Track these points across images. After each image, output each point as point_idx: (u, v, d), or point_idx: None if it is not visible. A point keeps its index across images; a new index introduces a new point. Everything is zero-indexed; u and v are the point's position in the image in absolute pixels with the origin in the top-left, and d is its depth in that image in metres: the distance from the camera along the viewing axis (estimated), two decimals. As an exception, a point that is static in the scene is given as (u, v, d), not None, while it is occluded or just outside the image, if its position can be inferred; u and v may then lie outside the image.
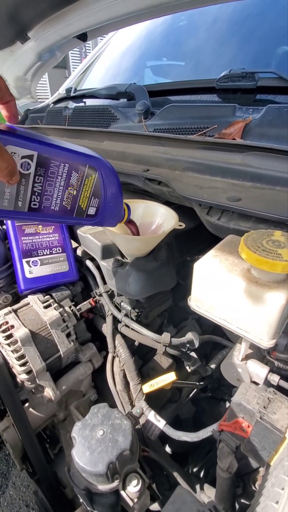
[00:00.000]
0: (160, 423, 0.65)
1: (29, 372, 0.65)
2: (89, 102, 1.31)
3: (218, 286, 0.48)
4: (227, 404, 1.08)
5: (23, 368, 0.64)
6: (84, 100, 1.39)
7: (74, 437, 0.55)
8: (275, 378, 0.55)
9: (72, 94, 1.37)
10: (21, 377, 0.66)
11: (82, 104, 1.30)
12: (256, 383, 0.57)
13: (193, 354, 0.87)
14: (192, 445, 1.04)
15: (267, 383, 0.57)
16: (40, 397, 0.76)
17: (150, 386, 0.66)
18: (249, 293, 0.44)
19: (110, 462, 0.51)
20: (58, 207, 0.50)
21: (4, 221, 0.79)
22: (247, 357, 0.59)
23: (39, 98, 1.93)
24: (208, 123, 0.77)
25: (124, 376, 0.77)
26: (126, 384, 0.77)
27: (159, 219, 0.78)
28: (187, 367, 0.86)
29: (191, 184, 0.71)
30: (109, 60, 1.93)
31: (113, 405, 0.89)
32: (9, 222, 0.77)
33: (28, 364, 0.65)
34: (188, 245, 0.98)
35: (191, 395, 0.95)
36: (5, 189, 0.44)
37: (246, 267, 0.47)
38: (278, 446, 0.45)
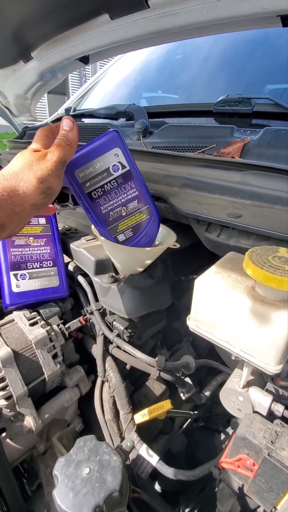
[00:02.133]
0: (153, 458, 0.58)
1: (8, 397, 0.59)
2: (88, 121, 1.33)
3: (220, 305, 0.45)
4: (222, 436, 1.01)
5: (2, 392, 0.58)
6: (82, 119, 1.41)
7: (56, 475, 0.48)
8: (279, 408, 0.50)
9: (71, 113, 1.39)
10: (0, 403, 0.59)
11: (81, 122, 1.32)
12: (258, 413, 0.52)
13: (187, 379, 0.82)
14: (184, 483, 0.95)
15: (270, 413, 0.52)
16: (19, 426, 0.68)
17: (143, 415, 0.60)
18: (254, 313, 0.41)
19: (97, 506, 0.45)
20: (104, 212, 0.62)
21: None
22: (248, 384, 0.55)
23: (25, 120, 1.96)
24: (206, 143, 0.77)
25: (114, 403, 0.70)
26: (116, 413, 0.70)
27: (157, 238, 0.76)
28: (181, 394, 0.81)
29: (189, 200, 0.70)
30: (107, 86, 2.01)
31: (100, 436, 0.82)
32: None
33: (8, 388, 0.58)
34: (183, 264, 0.95)
35: (184, 426, 0.88)
36: (93, 165, 0.59)
37: (250, 285, 0.45)
38: (287, 488, 0.40)
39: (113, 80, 2.01)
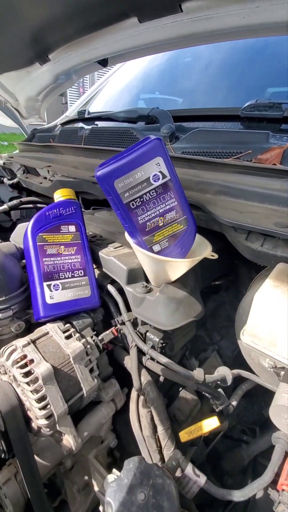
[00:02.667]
0: (200, 478, 0.56)
1: (49, 416, 0.56)
2: (103, 124, 1.31)
3: (281, 321, 0.43)
4: (250, 447, 0.99)
5: (43, 412, 0.55)
6: (96, 122, 1.39)
7: (110, 502, 0.45)
8: None
9: (86, 115, 1.37)
10: (40, 422, 0.56)
11: (97, 125, 1.29)
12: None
13: (220, 391, 0.80)
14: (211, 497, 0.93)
15: None
16: (45, 441, 0.65)
17: (189, 433, 0.58)
18: None
19: (157, 536, 0.42)
20: (141, 223, 0.61)
21: (23, 240, 0.73)
22: (301, 400, 0.53)
23: (34, 122, 1.93)
24: (240, 148, 0.76)
25: (152, 419, 0.68)
26: (154, 429, 0.68)
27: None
28: (214, 406, 0.79)
29: (228, 208, 0.68)
30: (114, 90, 2.00)
31: (132, 452, 0.79)
32: (29, 240, 0.70)
33: (49, 407, 0.56)
34: (210, 271, 0.94)
35: (217, 438, 0.86)
36: (133, 175, 0.58)
37: None
38: None
39: (118, 85, 2.00)
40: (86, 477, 0.76)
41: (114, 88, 2.00)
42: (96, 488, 0.62)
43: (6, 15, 0.94)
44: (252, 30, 0.73)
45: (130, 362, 0.74)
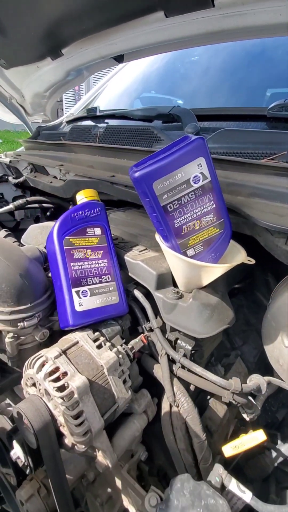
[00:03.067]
0: (246, 495, 0.53)
1: (86, 433, 0.52)
2: (115, 122, 1.27)
3: None
4: (273, 454, 0.97)
5: (80, 429, 0.51)
6: (106, 120, 1.35)
7: (164, 527, 0.42)
8: None
9: (97, 113, 1.33)
10: (76, 439, 0.52)
11: (110, 123, 1.25)
12: None
13: (252, 399, 0.77)
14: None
15: None
16: (67, 453, 0.61)
17: (234, 448, 0.55)
18: None
19: None
20: (177, 226, 0.58)
21: (48, 243, 0.69)
22: None
23: (35, 120, 1.88)
24: (273, 149, 0.74)
25: (187, 431, 0.65)
26: (189, 441, 0.65)
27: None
28: (245, 415, 0.76)
29: (266, 211, 0.65)
30: (121, 86, 1.96)
31: (162, 464, 0.76)
32: (56, 244, 0.66)
33: (86, 423, 0.52)
34: (234, 275, 0.91)
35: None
36: (173, 176, 0.54)
37: None
38: None
39: (125, 82, 1.96)
40: (109, 490, 0.72)
41: (119, 86, 1.97)
42: (131, 508, 0.59)
43: (22, 6, 0.90)
44: (285, 28, 0.71)
45: (159, 371, 0.71)
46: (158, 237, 0.68)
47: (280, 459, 0.95)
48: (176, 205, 0.58)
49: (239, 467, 1.00)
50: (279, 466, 0.97)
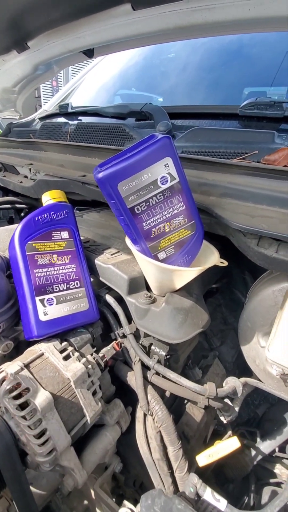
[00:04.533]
0: (221, 503, 0.52)
1: (50, 452, 0.49)
2: (88, 119, 1.23)
3: None
4: (252, 452, 0.97)
5: (43, 448, 0.48)
6: (79, 117, 1.30)
7: None
8: None
9: (69, 110, 1.28)
10: (39, 459, 0.49)
11: (82, 121, 1.21)
12: None
13: (227, 401, 0.76)
14: None
15: None
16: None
17: (208, 457, 0.54)
18: None
19: None
20: (146, 229, 0.55)
21: (9, 249, 0.64)
22: None
23: (8, 116, 1.80)
24: (245, 148, 0.73)
25: (161, 439, 0.63)
26: (164, 450, 0.63)
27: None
28: (222, 418, 0.75)
29: (238, 212, 0.64)
30: (97, 82, 1.91)
31: (138, 474, 0.74)
32: (17, 250, 0.62)
33: (49, 441, 0.49)
34: (210, 276, 0.90)
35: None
36: (139, 177, 0.51)
37: None
38: None
39: (102, 77, 1.92)
40: (86, 502, 0.69)
41: (96, 82, 1.91)
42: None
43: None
44: (257, 23, 0.70)
45: (133, 378, 0.68)
46: (128, 240, 0.65)
47: (260, 456, 0.95)
48: (144, 207, 0.55)
49: (219, 467, 0.99)
50: (259, 462, 0.98)
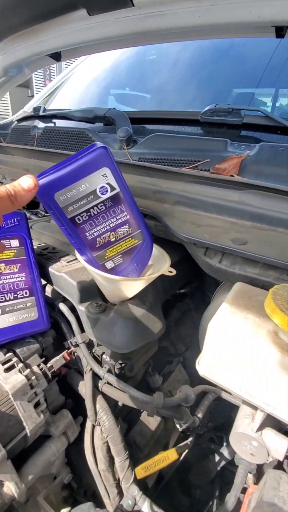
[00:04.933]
0: (158, 516, 0.52)
1: (-18, 467, 0.48)
2: (60, 123, 1.22)
3: (240, 353, 0.40)
4: (216, 458, 0.98)
5: (-26, 463, 0.47)
6: (53, 120, 1.29)
7: None
8: (296, 453, 0.47)
9: (41, 113, 1.27)
10: (-29, 475, 0.48)
11: (52, 124, 1.20)
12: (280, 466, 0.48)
13: (183, 409, 0.76)
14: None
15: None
16: None
17: (146, 469, 0.53)
18: (281, 364, 0.36)
19: None
20: (90, 239, 0.55)
21: None
22: (261, 425, 0.50)
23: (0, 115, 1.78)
24: (199, 156, 0.72)
25: (108, 450, 0.62)
26: (111, 461, 0.62)
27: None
28: (178, 426, 0.75)
29: (186, 221, 0.64)
30: (77, 85, 1.90)
31: (90, 483, 0.73)
32: None
33: (-19, 456, 0.48)
34: (172, 280, 0.90)
35: (181, 457, 0.82)
36: (77, 187, 0.51)
37: (273, 329, 0.40)
38: None
39: (83, 79, 1.90)
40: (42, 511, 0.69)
41: (77, 83, 1.90)
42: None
43: None
44: (208, 30, 0.70)
45: (84, 388, 0.68)
46: (76, 251, 0.65)
47: (224, 461, 0.96)
48: (85, 217, 0.54)
49: (184, 473, 0.99)
50: (226, 466, 0.98)
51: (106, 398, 0.68)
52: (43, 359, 0.65)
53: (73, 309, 0.73)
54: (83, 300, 0.69)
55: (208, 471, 0.96)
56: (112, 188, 0.54)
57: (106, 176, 0.52)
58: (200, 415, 0.80)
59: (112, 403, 0.69)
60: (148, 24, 0.73)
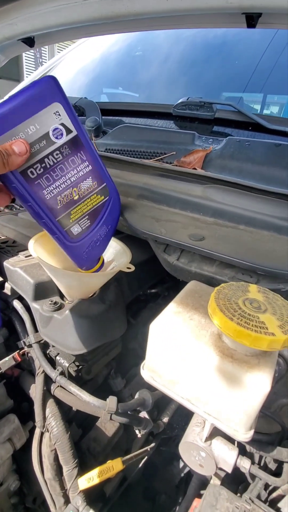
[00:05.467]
0: (101, 530, 0.48)
1: None
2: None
3: (181, 356, 0.36)
4: (181, 464, 0.95)
5: None
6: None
7: None
8: (245, 464, 0.44)
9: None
10: None
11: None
12: (222, 470, 0.45)
13: (144, 414, 0.73)
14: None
15: (235, 468, 0.46)
16: None
17: (88, 480, 0.50)
18: (222, 371, 0.33)
19: None
20: (50, 196, 0.45)
21: None
22: (211, 435, 0.47)
23: None
24: (165, 149, 0.69)
25: (56, 458, 0.58)
26: (58, 469, 0.58)
27: (109, 254, 0.65)
28: (137, 431, 0.72)
29: (147, 216, 0.60)
30: (63, 75, 1.84)
31: (39, 491, 0.69)
32: None
33: None
34: (140, 280, 0.86)
35: (141, 463, 0.79)
36: (24, 130, 0.40)
37: (217, 331, 0.37)
38: None
39: (69, 69, 1.85)
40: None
41: (66, 70, 1.84)
42: None
43: None
44: (178, 17, 0.66)
45: (35, 391, 0.63)
46: (30, 243, 0.60)
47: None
48: (39, 170, 0.43)
49: (148, 480, 0.96)
50: (191, 471, 0.95)
51: (59, 402, 0.63)
52: (-9, 359, 0.60)
53: (29, 308, 0.69)
54: (38, 298, 0.65)
55: (174, 476, 0.93)
56: (68, 131, 0.44)
57: (59, 115, 0.43)
58: (165, 420, 0.77)
59: (66, 408, 0.65)
60: (117, 7, 0.69)
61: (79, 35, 0.96)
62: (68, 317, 0.60)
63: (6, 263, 0.68)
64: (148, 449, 0.74)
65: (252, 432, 0.34)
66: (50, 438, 0.58)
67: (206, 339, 0.35)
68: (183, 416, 0.91)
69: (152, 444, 0.78)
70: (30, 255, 0.73)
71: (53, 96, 0.41)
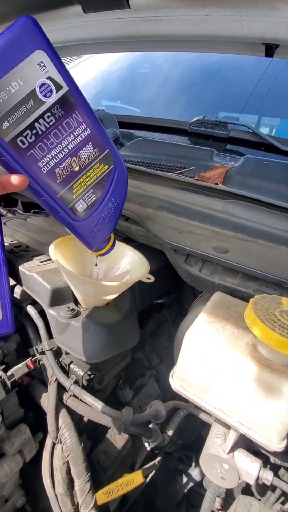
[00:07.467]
0: None
1: None
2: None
3: (216, 366, 0.37)
4: (184, 479, 0.93)
5: None
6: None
7: None
8: (268, 476, 0.44)
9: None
10: None
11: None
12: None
13: (153, 426, 0.72)
14: None
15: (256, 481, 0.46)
16: None
17: (108, 494, 0.48)
18: (258, 380, 0.34)
19: None
20: (47, 169, 0.38)
21: None
22: (232, 447, 0.47)
23: None
24: (185, 163, 0.71)
25: (68, 471, 0.56)
26: (70, 484, 0.56)
27: (126, 264, 0.66)
28: (146, 444, 0.71)
29: (168, 226, 0.62)
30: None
31: (46, 508, 0.66)
32: None
33: None
34: (151, 289, 0.87)
35: (147, 479, 0.77)
36: (5, 88, 0.32)
37: (251, 341, 0.38)
38: None
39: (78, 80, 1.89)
40: None
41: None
42: None
43: None
44: (201, 42, 0.70)
45: (47, 400, 0.62)
46: (51, 248, 0.60)
47: (192, 483, 0.91)
48: (31, 138, 0.36)
49: (149, 495, 0.94)
50: (194, 488, 0.93)
51: (71, 412, 0.62)
52: (3, 366, 0.59)
53: (42, 314, 0.68)
54: (54, 304, 0.64)
55: (175, 493, 0.91)
56: (58, 86, 0.36)
57: (45, 66, 0.34)
58: (170, 433, 0.76)
59: (76, 418, 0.64)
60: (143, 28, 0.72)
61: (97, 51, 1.00)
62: (86, 325, 0.59)
63: (21, 268, 0.67)
64: (156, 463, 0.73)
65: (285, 442, 0.35)
66: (63, 450, 0.57)
67: (242, 349, 0.36)
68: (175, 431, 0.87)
69: (159, 458, 0.77)
70: (45, 261, 0.73)
71: (34, 43, 0.33)
